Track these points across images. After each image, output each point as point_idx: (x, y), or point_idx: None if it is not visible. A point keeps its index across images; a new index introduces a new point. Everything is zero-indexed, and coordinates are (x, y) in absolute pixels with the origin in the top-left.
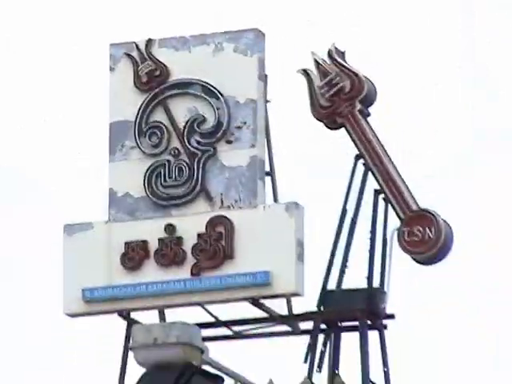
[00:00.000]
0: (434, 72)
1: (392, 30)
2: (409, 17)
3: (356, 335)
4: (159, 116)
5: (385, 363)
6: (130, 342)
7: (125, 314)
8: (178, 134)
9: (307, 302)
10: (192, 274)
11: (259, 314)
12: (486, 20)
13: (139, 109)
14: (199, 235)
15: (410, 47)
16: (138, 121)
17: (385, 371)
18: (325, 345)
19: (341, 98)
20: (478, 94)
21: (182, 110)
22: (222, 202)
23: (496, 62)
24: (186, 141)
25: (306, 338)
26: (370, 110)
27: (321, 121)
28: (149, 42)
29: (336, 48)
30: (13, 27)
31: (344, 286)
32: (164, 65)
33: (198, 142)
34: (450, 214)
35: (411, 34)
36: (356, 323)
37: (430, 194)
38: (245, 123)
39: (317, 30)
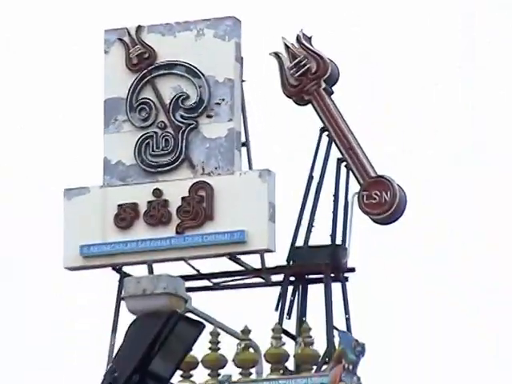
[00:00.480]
0: (434, 72)
1: (392, 31)
2: (409, 17)
3: (321, 286)
4: (148, 93)
5: (346, 311)
6: (122, 292)
7: (117, 268)
8: (164, 109)
9: (278, 257)
10: (177, 232)
11: (236, 267)
12: (485, 20)
13: (130, 87)
14: (183, 198)
15: (410, 47)
16: (129, 98)
17: (346, 318)
18: (293, 295)
19: (308, 77)
20: (478, 93)
21: (167, 88)
22: (203, 169)
23: (496, 62)
24: (171, 115)
25: (277, 289)
26: (334, 88)
27: (290, 98)
28: (139, 28)
29: (304, 34)
30: (12, 21)
31: (310, 243)
32: (152, 48)
33: (182, 117)
34: (450, 213)
35: (411, 34)
36: (321, 276)
37: (430, 194)
38: (223, 100)
39: (288, 16)
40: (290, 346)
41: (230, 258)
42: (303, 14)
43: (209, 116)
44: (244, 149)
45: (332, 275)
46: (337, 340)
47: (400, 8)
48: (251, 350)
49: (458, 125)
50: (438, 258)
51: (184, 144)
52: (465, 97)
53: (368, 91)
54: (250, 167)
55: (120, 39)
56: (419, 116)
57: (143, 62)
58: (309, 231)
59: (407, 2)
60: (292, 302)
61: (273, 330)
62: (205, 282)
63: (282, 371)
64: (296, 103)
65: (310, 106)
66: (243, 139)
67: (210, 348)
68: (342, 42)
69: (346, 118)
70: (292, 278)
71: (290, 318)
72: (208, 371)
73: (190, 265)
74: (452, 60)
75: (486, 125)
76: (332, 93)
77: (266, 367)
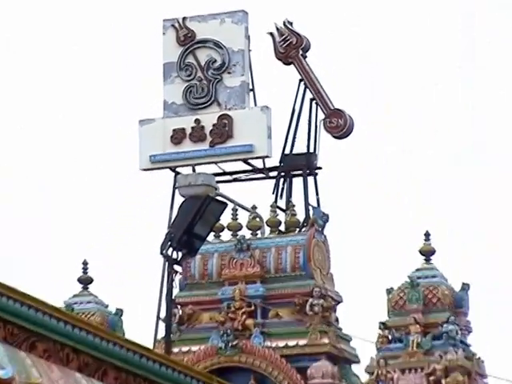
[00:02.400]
0: (434, 72)
1: (392, 30)
2: (409, 17)
3: (301, 179)
4: (190, 59)
5: (317, 193)
6: (176, 184)
7: (173, 169)
8: (201, 69)
9: (274, 161)
10: (210, 146)
11: (247, 167)
12: (485, 20)
13: (179, 55)
14: (213, 124)
15: (410, 47)
16: (178, 62)
17: (317, 198)
18: (284, 184)
19: (291, 47)
20: (478, 93)
21: (203, 55)
22: (225, 106)
23: (496, 62)
24: (205, 72)
25: (273, 181)
26: (307, 54)
27: (280, 60)
28: (184, 18)
29: (288, 20)
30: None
31: (294, 151)
32: (193, 31)
33: (212, 74)
34: (450, 213)
35: (411, 34)
36: (301, 172)
37: (430, 194)
38: (238, 62)
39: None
40: (281, 217)
41: (243, 162)
42: (293, 8)
43: (229, 73)
44: (251, 93)
45: (307, 172)
46: (311, 212)
47: (400, 8)
48: (257, 219)
49: (458, 125)
50: (436, 257)
51: (214, 90)
52: (465, 97)
53: (368, 91)
54: (255, 104)
55: (173, 25)
56: (419, 116)
57: (187, 39)
58: (293, 143)
59: (407, 2)
60: (283, 188)
61: (271, 206)
62: (228, 177)
63: (277, 232)
64: (283, 63)
65: (292, 65)
66: (251, 87)
67: (231, 218)
68: (342, 41)
69: (386, 143)
70: (282, 174)
71: (281, 199)
72: (230, 233)
73: (218, 166)
74: (452, 60)
75: (486, 125)
76: (306, 57)
77: (267, 230)
